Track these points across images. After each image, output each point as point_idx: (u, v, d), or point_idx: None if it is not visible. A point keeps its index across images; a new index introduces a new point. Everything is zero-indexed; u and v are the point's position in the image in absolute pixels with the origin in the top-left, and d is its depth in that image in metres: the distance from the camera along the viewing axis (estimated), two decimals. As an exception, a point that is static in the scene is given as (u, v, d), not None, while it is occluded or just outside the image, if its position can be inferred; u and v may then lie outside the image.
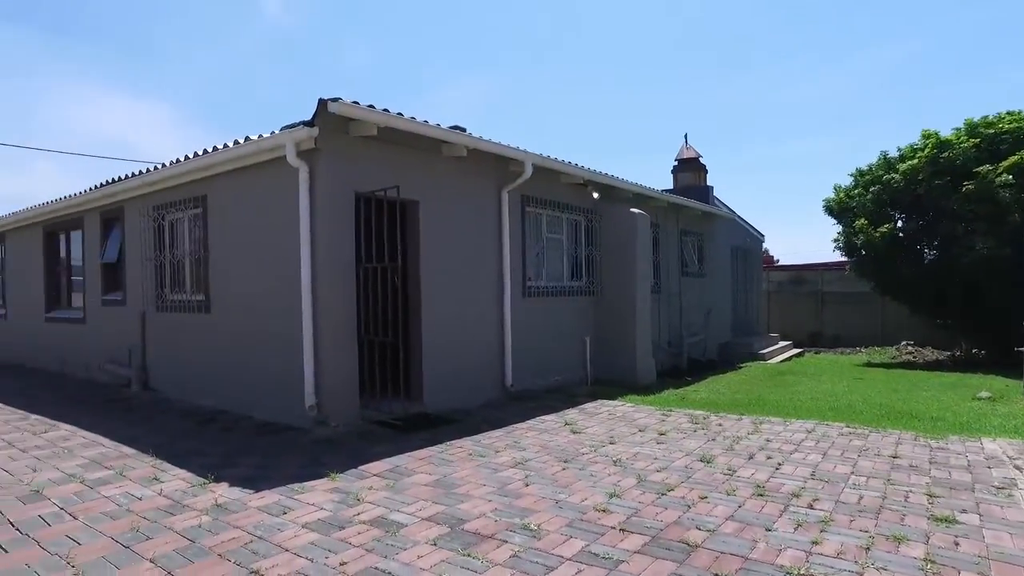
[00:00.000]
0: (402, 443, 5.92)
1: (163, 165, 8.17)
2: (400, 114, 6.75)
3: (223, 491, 4.42)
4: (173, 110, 48.21)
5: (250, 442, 6.06)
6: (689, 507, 4.04)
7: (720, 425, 6.84)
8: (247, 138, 6.81)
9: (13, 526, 3.72)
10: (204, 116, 57.43)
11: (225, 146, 7.09)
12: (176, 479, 4.74)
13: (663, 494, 4.33)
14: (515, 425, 6.82)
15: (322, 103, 6.09)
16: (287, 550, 3.33)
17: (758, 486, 4.51)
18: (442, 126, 7.36)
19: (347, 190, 6.66)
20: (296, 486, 4.53)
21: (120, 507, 4.07)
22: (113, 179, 9.29)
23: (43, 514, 3.94)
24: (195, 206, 8.07)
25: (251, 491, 4.41)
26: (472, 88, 57.29)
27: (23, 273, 13.12)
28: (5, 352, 13.95)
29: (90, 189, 9.87)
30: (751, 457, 5.41)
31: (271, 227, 6.96)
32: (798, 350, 18.38)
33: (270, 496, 4.30)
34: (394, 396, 7.09)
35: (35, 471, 5.01)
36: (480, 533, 3.58)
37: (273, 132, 6.44)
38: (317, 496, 4.30)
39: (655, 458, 5.37)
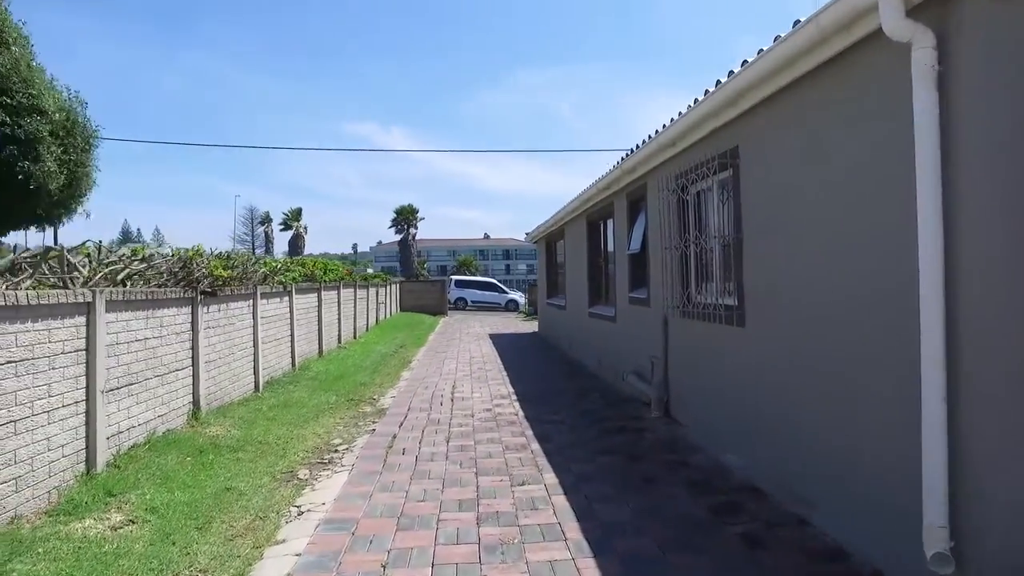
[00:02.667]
0: None
1: (680, 114, 5.73)
2: None
3: None
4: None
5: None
6: None
7: None
8: (796, 22, 3.61)
9: None
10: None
11: (760, 54, 4.06)
12: None
13: None
14: None
15: None
16: None
17: None
18: None
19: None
20: None
21: None
22: (634, 147, 7.48)
23: None
24: (722, 166, 5.31)
25: None
26: None
27: (574, 265, 13.26)
28: (562, 340, 14.67)
29: (615, 166, 8.40)
30: None
31: (850, 179, 3.56)
32: None
33: None
34: None
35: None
36: None
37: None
38: None
39: None
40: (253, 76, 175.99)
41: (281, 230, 64.99)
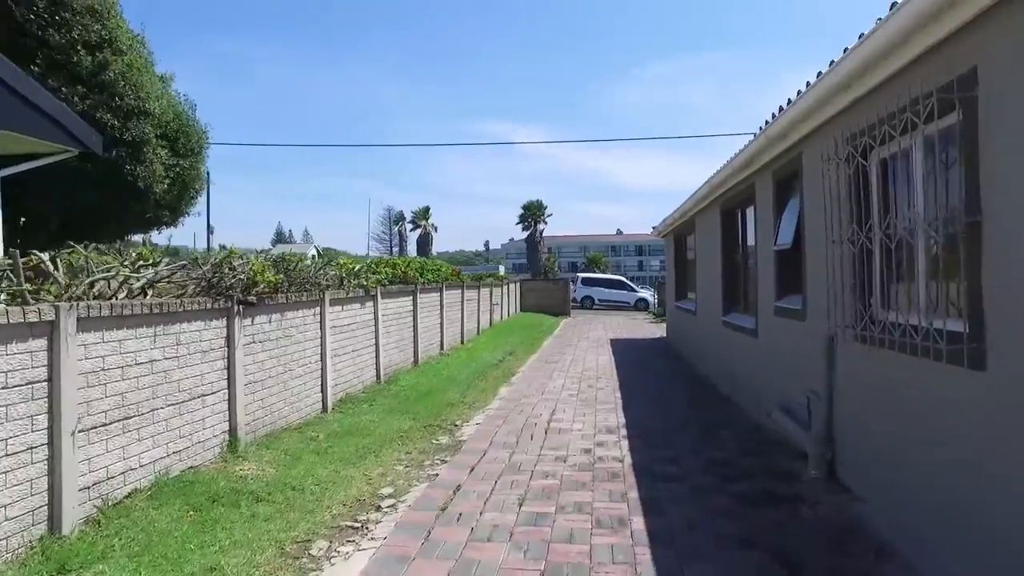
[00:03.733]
0: None
1: (862, 36, 3.72)
2: None
3: None
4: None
5: None
6: None
7: None
8: None
9: None
10: None
11: None
12: None
13: None
14: None
15: None
16: None
17: None
18: None
19: None
20: None
21: None
22: (783, 105, 5.46)
23: None
24: (942, 106, 3.25)
25: None
26: None
27: (706, 264, 11.15)
28: (691, 351, 12.58)
29: (756, 135, 6.38)
30: None
31: None
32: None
33: None
34: None
35: None
36: None
37: None
38: None
39: None
40: (396, 84, 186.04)
41: (411, 229, 66.84)
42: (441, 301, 13.41)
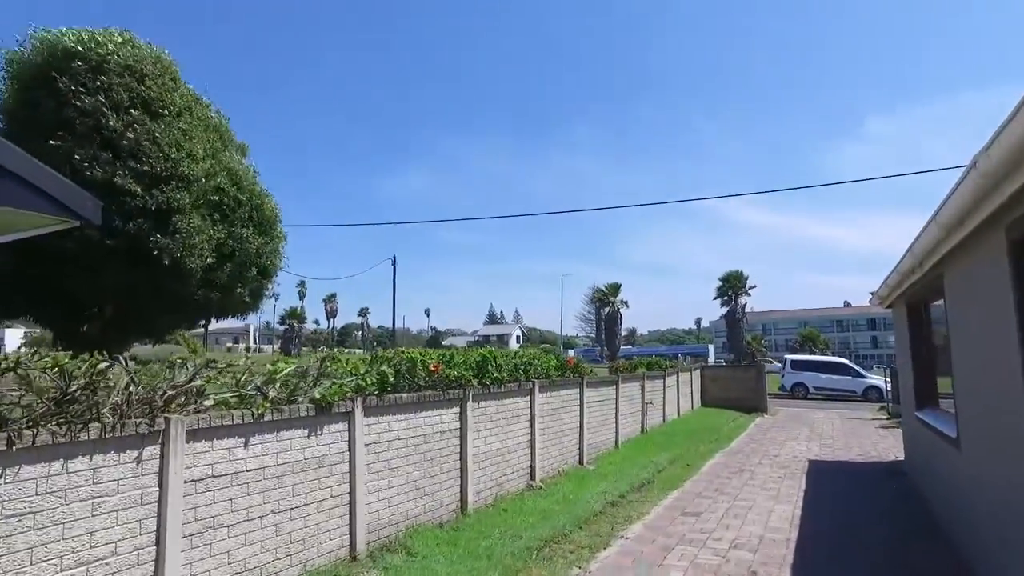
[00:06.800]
0: None
1: None
2: None
3: None
4: None
5: None
6: None
7: None
8: None
9: None
10: None
11: None
12: None
13: None
14: None
15: None
16: None
17: None
18: None
19: None
20: None
21: None
22: None
23: None
24: None
25: None
26: None
27: (978, 354, 5.69)
28: (951, 508, 6.79)
29: None
30: None
31: None
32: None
33: None
34: None
35: None
36: None
37: None
38: None
39: None
40: (600, 165, 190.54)
41: (597, 308, 63.06)
42: (532, 410, 9.31)
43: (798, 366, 33.25)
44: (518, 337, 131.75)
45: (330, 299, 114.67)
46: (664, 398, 17.59)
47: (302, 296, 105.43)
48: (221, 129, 13.13)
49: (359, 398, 5.95)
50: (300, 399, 5.39)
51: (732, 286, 53.87)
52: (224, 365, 4.85)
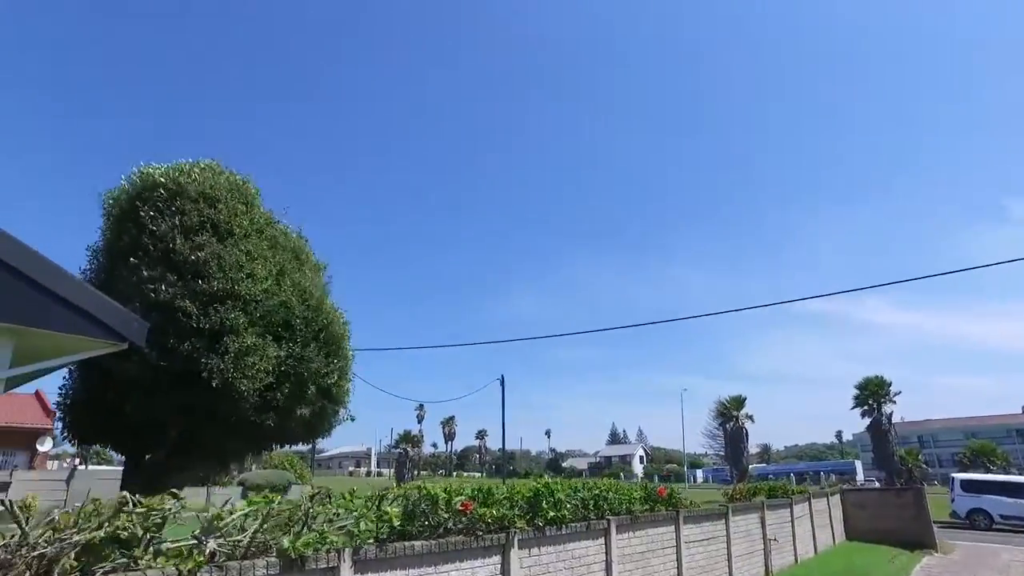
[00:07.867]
0: None
1: None
2: None
3: None
4: None
5: None
6: None
7: None
8: None
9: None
10: None
11: None
12: None
13: None
14: None
15: None
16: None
17: None
18: None
19: None
20: None
21: None
22: None
23: None
24: None
25: None
26: None
27: None
28: None
29: None
30: None
31: None
32: None
33: None
34: None
35: None
36: None
37: None
38: None
39: None
40: (705, 276, 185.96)
41: (719, 424, 57.86)
42: (608, 556, 7.43)
43: (972, 487, 27.58)
44: (641, 457, 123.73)
45: (448, 422, 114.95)
46: (793, 532, 14.50)
47: (420, 419, 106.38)
48: (296, 249, 13.25)
49: (347, 549, 4.65)
50: (258, 553, 4.19)
51: (873, 393, 47.72)
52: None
